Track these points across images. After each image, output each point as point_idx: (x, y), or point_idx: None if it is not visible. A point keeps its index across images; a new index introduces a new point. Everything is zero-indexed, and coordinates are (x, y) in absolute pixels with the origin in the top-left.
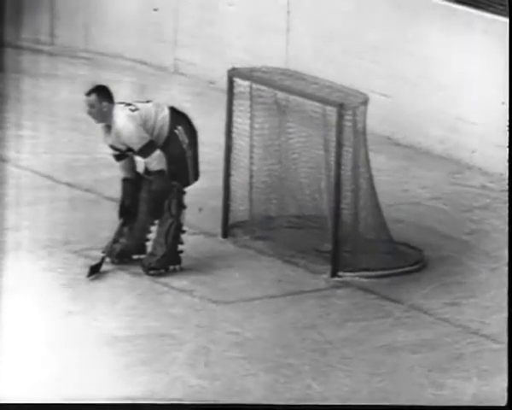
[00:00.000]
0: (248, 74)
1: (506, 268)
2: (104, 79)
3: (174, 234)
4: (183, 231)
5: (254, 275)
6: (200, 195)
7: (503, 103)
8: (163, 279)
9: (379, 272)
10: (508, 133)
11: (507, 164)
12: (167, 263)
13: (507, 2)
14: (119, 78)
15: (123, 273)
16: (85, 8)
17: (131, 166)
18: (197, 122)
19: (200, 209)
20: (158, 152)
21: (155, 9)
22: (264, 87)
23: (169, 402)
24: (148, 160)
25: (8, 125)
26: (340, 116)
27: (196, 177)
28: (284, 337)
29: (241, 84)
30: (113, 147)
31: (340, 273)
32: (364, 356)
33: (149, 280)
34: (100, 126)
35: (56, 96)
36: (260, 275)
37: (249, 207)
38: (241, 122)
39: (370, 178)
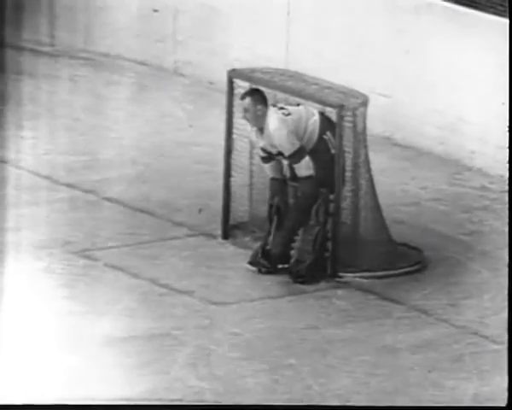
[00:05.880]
0: (248, 75)
1: (506, 269)
2: (104, 79)
3: (321, 242)
4: (329, 239)
5: (254, 276)
6: (200, 196)
7: (503, 104)
8: (163, 280)
9: (379, 273)
10: (508, 134)
11: (507, 165)
12: (315, 271)
13: (507, 3)
14: (119, 78)
15: (123, 274)
16: (85, 9)
17: (279, 167)
18: (197, 123)
19: (200, 210)
20: (307, 158)
21: (155, 10)
22: (264, 88)
23: (169, 403)
24: (297, 166)
25: (8, 126)
26: (340, 117)
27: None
28: (284, 338)
29: (241, 85)
30: (264, 150)
31: (340, 273)
32: (364, 356)
33: (149, 281)
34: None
35: (56, 97)
36: (260, 276)
37: (249, 208)
38: (242, 123)
39: (370, 179)
